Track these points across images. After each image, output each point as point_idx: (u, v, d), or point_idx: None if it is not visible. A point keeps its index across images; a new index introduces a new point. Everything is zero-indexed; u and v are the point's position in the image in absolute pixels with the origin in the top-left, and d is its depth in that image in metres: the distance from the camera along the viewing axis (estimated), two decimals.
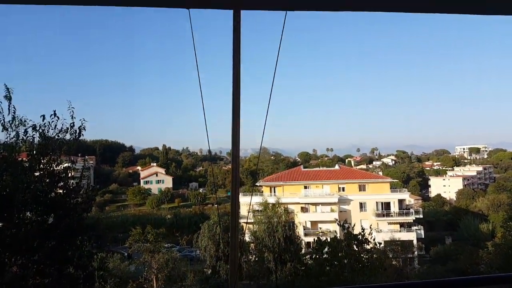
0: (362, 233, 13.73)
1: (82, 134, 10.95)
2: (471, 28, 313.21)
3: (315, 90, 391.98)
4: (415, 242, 43.18)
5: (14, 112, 9.78)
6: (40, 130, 10.45)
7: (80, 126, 10.71)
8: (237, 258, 1.28)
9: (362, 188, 47.94)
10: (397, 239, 38.49)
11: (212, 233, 32.95)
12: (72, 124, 10.48)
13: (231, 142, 2.02)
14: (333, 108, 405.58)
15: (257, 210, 36.18)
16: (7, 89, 9.58)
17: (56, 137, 10.58)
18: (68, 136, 10.73)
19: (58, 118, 10.38)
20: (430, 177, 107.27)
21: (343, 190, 47.99)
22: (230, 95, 2.09)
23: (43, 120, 10.35)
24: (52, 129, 10.60)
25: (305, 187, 48.45)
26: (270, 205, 36.02)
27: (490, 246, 27.53)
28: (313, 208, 46.94)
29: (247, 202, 44.79)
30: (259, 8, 2.32)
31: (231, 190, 1.63)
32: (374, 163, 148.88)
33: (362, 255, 13.52)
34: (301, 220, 43.89)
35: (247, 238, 34.28)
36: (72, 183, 10.59)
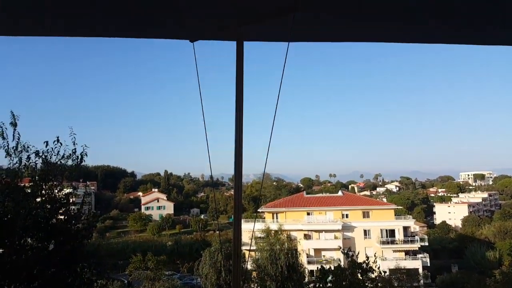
0: (367, 261, 13.46)
1: (84, 160, 11.01)
2: (472, 57, 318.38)
3: (319, 117, 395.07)
4: (420, 270, 42.26)
5: (19, 139, 9.89)
6: (43, 156, 10.53)
7: (82, 152, 10.80)
8: (239, 286, 1.29)
9: (366, 215, 47.35)
10: (403, 267, 37.67)
11: (213, 260, 32.39)
12: (74, 150, 10.56)
13: (233, 168, 2.03)
14: (337, 134, 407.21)
15: (259, 237, 35.68)
16: (13, 115, 9.74)
17: (59, 163, 10.65)
18: (70, 162, 10.79)
19: (61, 144, 10.49)
20: (434, 203, 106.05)
21: (347, 216, 47.40)
22: (232, 122, 2.12)
23: (46, 146, 10.45)
24: (55, 155, 10.69)
25: (308, 214, 47.91)
26: (273, 231, 35.56)
27: (498, 274, 26.92)
28: (317, 235, 46.22)
29: (249, 229, 44.20)
30: (262, 39, 2.40)
31: (234, 216, 1.64)
32: (377, 189, 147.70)
33: (367, 284, 13.21)
34: (304, 247, 43.17)
35: (249, 266, 33.64)
36: (73, 209, 10.55)
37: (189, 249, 59.61)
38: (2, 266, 9.16)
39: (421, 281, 39.50)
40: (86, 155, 11.14)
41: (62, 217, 10.32)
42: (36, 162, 10.42)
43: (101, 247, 12.45)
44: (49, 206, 10.44)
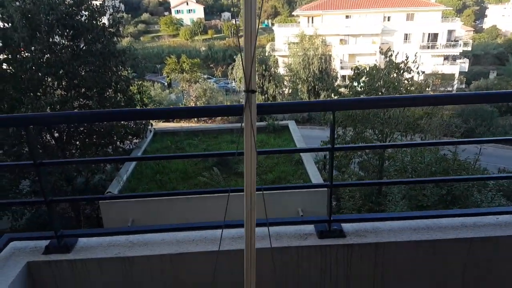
0: (405, 61, 12.85)
1: None
2: None
3: None
4: (457, 75, 41.56)
5: None
6: None
7: None
8: (254, 54, 0.81)
9: (410, 17, 43.79)
10: (439, 72, 37.01)
11: None
12: None
13: None
14: None
15: (293, 43, 34.81)
16: None
17: None
18: None
19: None
20: (489, 5, 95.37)
21: (389, 20, 44.16)
22: None
23: None
24: None
25: (347, 17, 44.82)
26: (307, 36, 34.31)
27: None
28: (353, 40, 44.46)
29: (283, 34, 42.74)
30: None
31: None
32: None
33: (401, 84, 12.99)
34: (339, 52, 42.28)
35: (281, 71, 34.06)
36: (96, 4, 10.02)
37: (222, 55, 60.43)
38: (40, 65, 9.43)
39: (455, 86, 39.40)
40: None
41: (86, 12, 9.91)
42: None
43: (134, 48, 12.44)
44: (70, 1, 9.92)
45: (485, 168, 11.16)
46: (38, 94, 9.51)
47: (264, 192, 1.27)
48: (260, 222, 1.41)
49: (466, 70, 43.91)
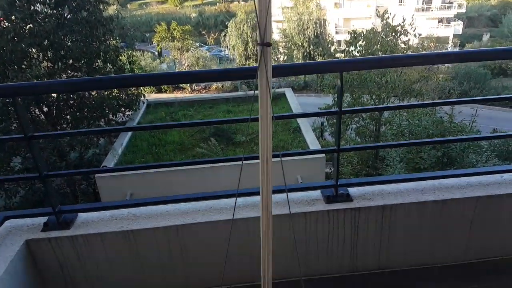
0: (402, 24, 12.55)
1: None
2: None
3: None
4: (451, 38, 41.16)
5: None
6: None
7: None
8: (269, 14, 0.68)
9: None
10: (433, 35, 36.56)
11: (239, 31, 32.02)
12: None
13: None
14: None
15: (287, 7, 33.88)
16: None
17: None
18: None
19: None
20: None
21: None
22: None
23: None
24: None
25: None
26: (301, 0, 33.37)
27: None
28: (348, 4, 43.40)
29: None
30: None
31: None
32: None
33: (397, 48, 12.75)
34: (333, 17, 41.31)
35: (276, 36, 33.33)
36: None
37: (214, 21, 58.96)
38: (22, 35, 9.01)
39: (449, 49, 39.04)
40: None
41: None
42: None
43: (124, 18, 11.93)
44: None
45: (478, 130, 11.27)
46: (23, 66, 9.16)
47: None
48: (275, 189, 1.36)
49: (460, 33, 43.41)
